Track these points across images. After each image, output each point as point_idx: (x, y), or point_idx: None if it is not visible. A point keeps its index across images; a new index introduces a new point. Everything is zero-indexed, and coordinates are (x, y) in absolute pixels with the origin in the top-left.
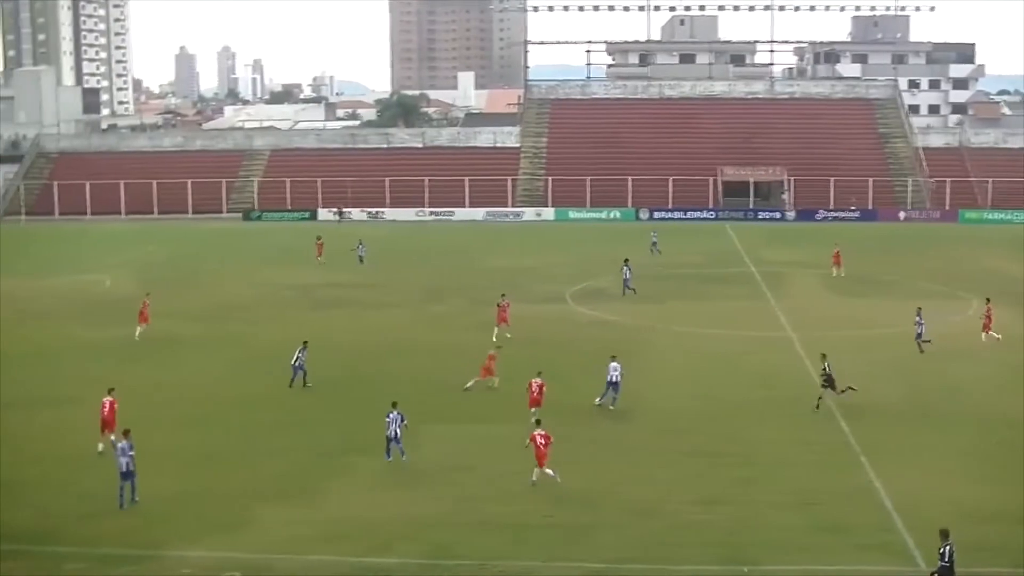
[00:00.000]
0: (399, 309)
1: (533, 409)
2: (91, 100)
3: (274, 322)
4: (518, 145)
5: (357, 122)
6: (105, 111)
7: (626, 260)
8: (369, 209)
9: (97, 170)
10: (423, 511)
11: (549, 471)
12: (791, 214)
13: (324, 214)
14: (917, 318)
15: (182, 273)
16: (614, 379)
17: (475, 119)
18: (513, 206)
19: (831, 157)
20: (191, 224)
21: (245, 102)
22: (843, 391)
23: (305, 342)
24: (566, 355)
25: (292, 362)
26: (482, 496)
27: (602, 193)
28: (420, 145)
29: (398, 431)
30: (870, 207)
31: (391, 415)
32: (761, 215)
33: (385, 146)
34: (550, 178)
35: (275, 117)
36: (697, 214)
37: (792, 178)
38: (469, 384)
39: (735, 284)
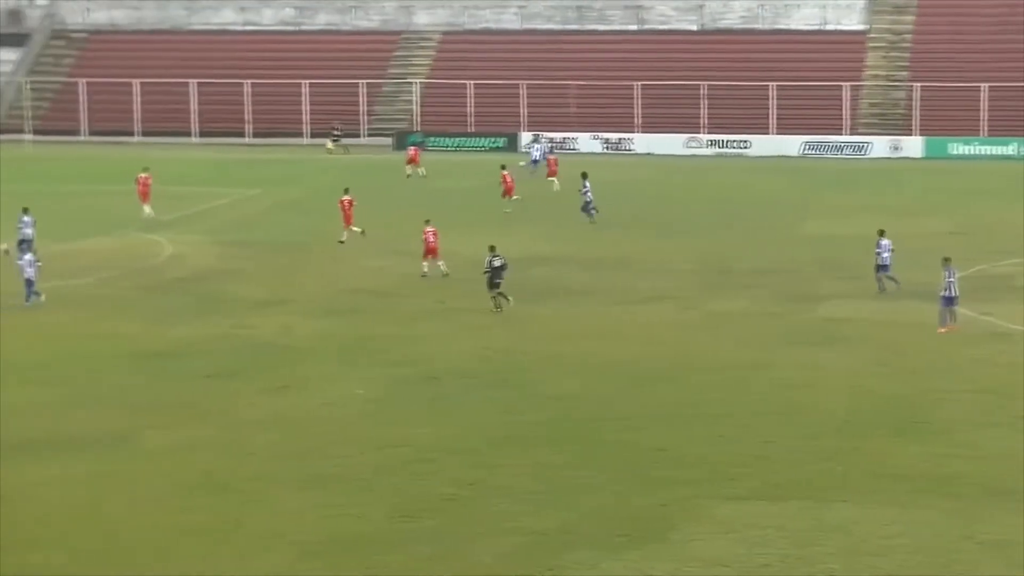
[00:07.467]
0: (662, 304)
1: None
2: None
3: (439, 320)
4: (863, 28)
5: None
6: None
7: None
8: (604, 134)
9: (151, 62)
10: None
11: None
12: None
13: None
14: None
15: (292, 237)
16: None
17: None
18: (852, 133)
19: None
20: (307, 155)
21: None
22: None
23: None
24: (948, 397)
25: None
26: None
27: (1010, 113)
28: (694, 27)
29: None
30: None
31: None
32: None
33: (634, 27)
34: (917, 86)
35: None
36: None
37: None
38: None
39: None
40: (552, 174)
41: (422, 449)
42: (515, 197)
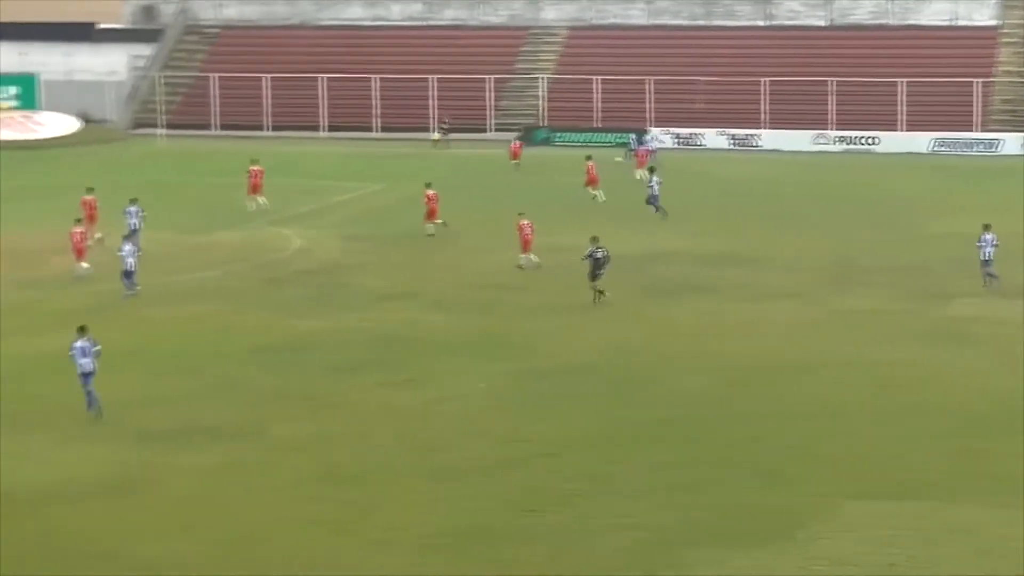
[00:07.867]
0: (787, 301)
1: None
2: None
3: (560, 314)
4: (995, 23)
5: None
6: None
7: None
8: (731, 130)
9: (281, 57)
10: None
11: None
12: None
13: (660, 136)
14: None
15: (417, 232)
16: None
17: None
18: (983, 130)
19: None
20: (434, 150)
21: None
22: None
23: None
24: None
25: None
26: None
27: None
28: (823, 23)
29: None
30: None
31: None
32: None
33: (762, 23)
34: None
35: None
36: None
37: None
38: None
39: None
40: (641, 166)
41: (544, 444)
42: (598, 191)
